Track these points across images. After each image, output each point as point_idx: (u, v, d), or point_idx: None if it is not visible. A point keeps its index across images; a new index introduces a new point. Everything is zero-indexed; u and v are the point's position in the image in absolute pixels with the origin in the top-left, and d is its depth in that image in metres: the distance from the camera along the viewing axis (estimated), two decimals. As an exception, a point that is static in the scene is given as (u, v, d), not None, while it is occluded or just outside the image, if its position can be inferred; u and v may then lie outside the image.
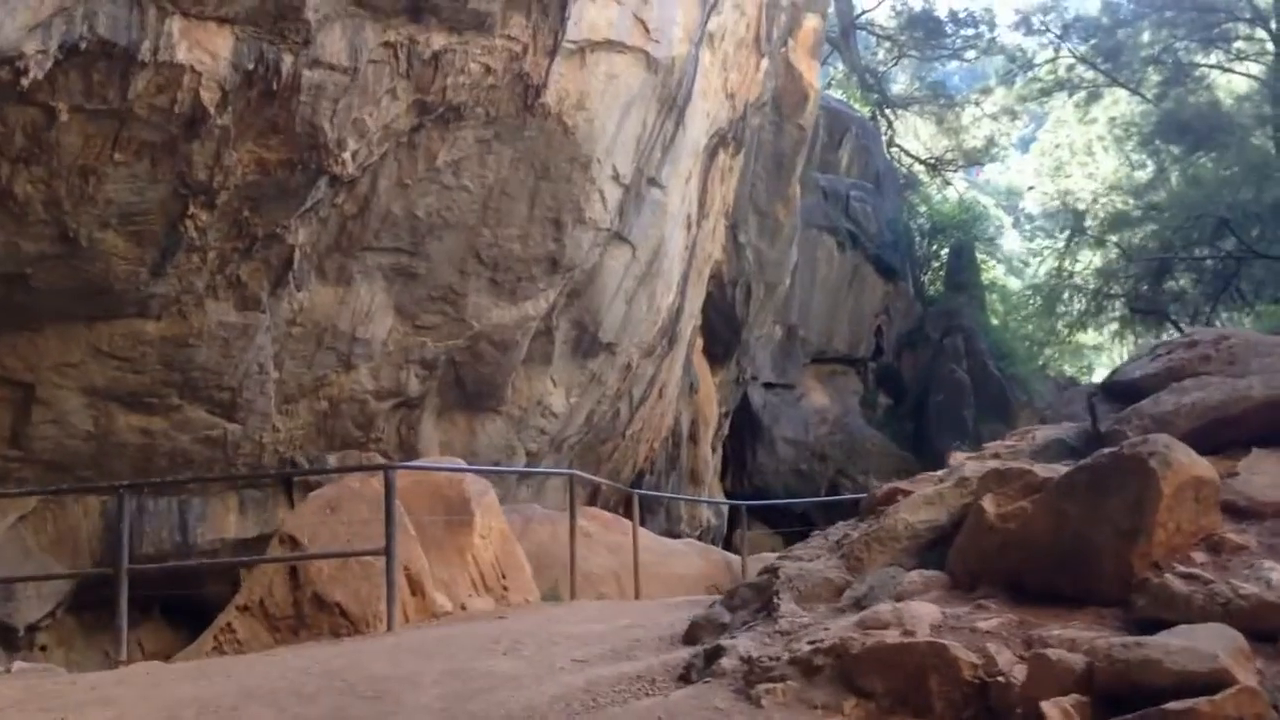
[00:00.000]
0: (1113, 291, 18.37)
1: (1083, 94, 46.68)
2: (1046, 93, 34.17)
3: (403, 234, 11.07)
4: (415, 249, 11.31)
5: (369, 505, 7.77)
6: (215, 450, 11.11)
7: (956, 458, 6.90)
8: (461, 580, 8.11)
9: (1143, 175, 22.73)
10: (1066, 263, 24.54)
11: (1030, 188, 47.69)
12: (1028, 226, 48.43)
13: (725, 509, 23.02)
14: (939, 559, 5.09)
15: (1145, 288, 16.70)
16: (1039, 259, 41.64)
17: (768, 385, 25.00)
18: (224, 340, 10.27)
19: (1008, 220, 46.89)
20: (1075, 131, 47.30)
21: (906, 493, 6.16)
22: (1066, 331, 33.12)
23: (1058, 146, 49.19)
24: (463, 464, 9.03)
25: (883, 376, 27.11)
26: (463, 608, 7.94)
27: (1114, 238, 19.48)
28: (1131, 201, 21.95)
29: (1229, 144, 19.22)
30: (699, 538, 20.73)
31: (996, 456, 6.29)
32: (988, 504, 4.85)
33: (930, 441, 25.07)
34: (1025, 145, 52.34)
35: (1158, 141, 23.36)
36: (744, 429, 24.69)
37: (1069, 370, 31.73)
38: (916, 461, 25.14)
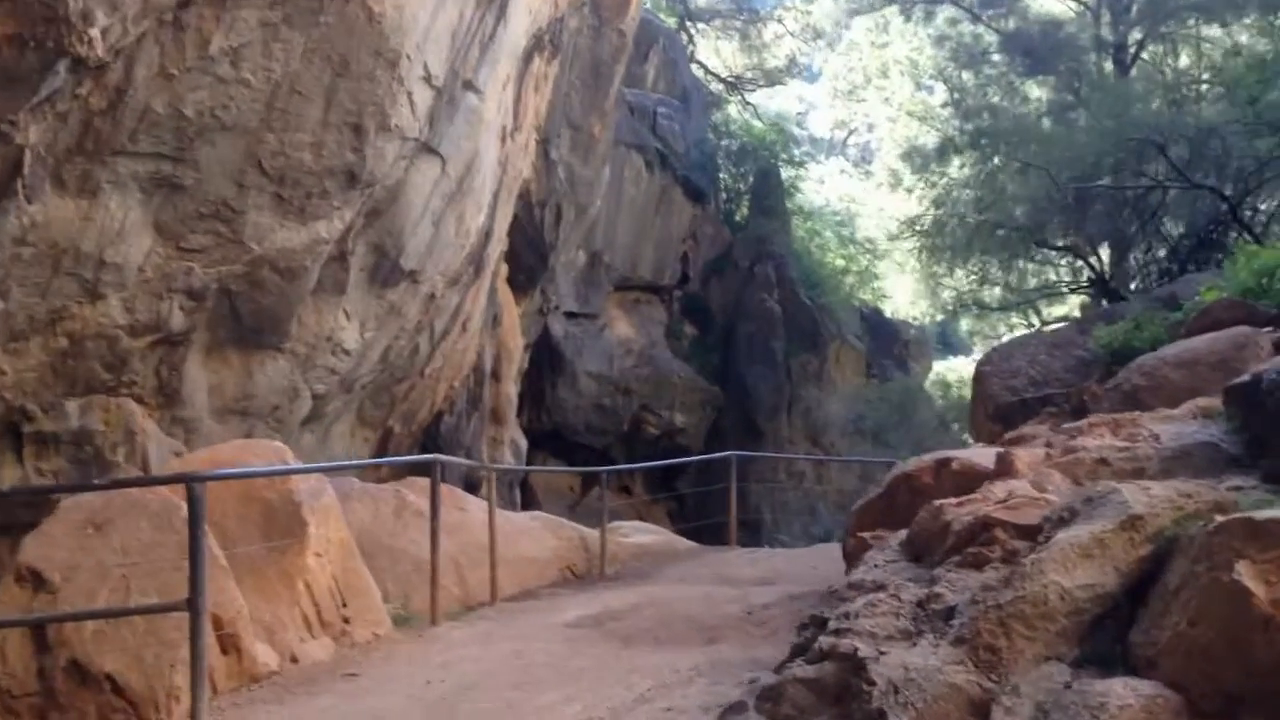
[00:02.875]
0: (999, 221, 18.34)
1: (884, 15, 47.64)
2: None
3: (166, 136, 9.34)
4: (181, 155, 9.61)
5: (153, 521, 5.98)
6: (-82, 401, 9.19)
7: (1018, 456, 5.79)
8: (290, 619, 6.52)
9: (978, 101, 22.99)
10: (938, 190, 24.47)
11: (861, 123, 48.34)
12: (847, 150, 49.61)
13: (524, 447, 22.19)
14: (1109, 646, 3.84)
15: (1056, 219, 16.76)
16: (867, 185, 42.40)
17: (569, 315, 24.16)
18: (-72, 263, 8.38)
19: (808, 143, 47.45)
20: (869, 56, 48.46)
21: (953, 469, 5.62)
22: (867, 261, 34.00)
23: (850, 70, 50.29)
24: (291, 460, 7.34)
25: (689, 306, 26.79)
26: (293, 659, 6.40)
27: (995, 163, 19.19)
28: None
29: (1073, 69, 19.55)
30: (507, 482, 19.82)
31: (1104, 462, 5.15)
32: (1250, 580, 3.32)
33: (739, 374, 25.06)
34: (811, 74, 52.67)
35: (996, 62, 23.52)
36: (543, 362, 23.81)
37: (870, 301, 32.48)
38: (724, 395, 25.16)
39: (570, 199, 18.70)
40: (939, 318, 40.79)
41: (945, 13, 26.03)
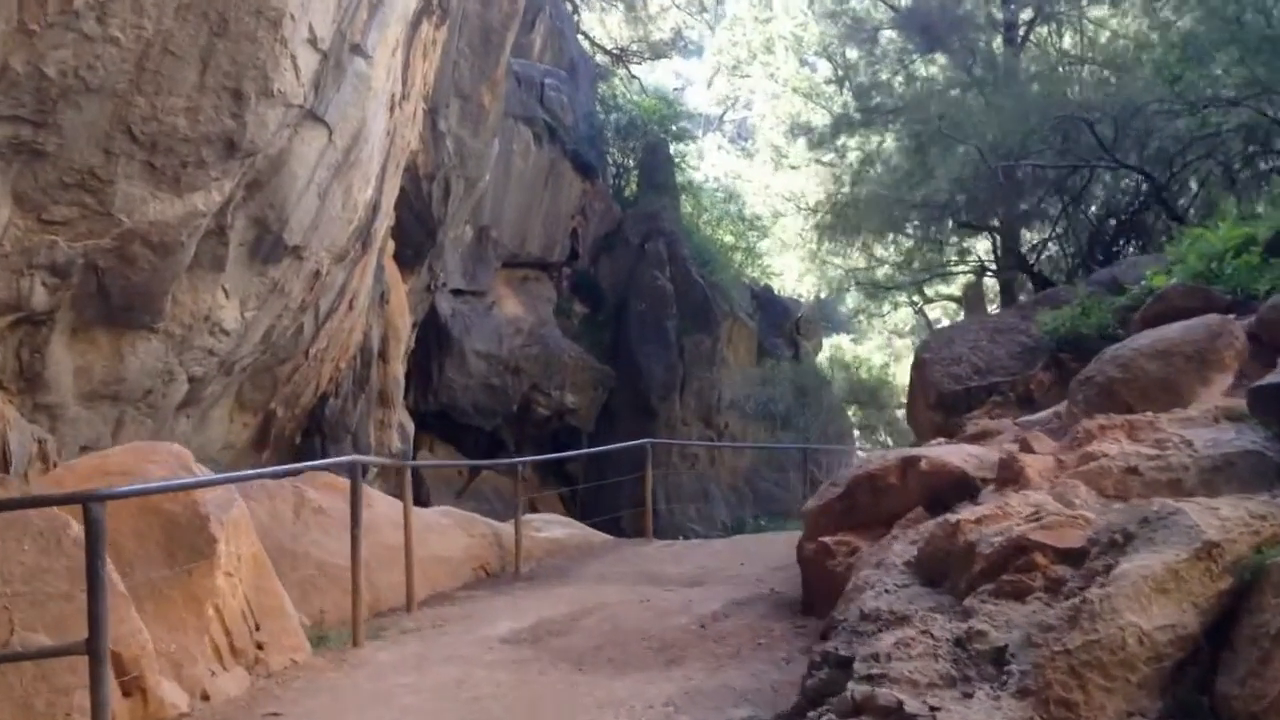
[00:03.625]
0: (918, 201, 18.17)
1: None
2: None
3: (25, 98, 8.62)
4: (42, 119, 8.89)
5: (37, 542, 5.17)
6: None
7: (1027, 462, 5.43)
8: (199, 650, 5.81)
9: (869, 78, 23.02)
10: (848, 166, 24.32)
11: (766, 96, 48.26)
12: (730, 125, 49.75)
13: (411, 430, 21.61)
14: (1194, 697, 3.48)
15: (980, 198, 16.67)
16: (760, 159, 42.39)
17: (457, 292, 23.60)
18: None
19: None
20: (752, 31, 48.73)
21: (921, 469, 5.41)
22: (756, 238, 34.16)
23: (734, 45, 50.50)
24: (194, 465, 6.53)
25: (579, 283, 26.46)
26: (204, 697, 5.73)
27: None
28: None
29: (968, 46, 19.68)
30: (394, 470, 19.22)
31: (1134, 471, 4.83)
32: None
33: (631, 353, 24.88)
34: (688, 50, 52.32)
35: (889, 38, 23.48)
36: (430, 341, 23.23)
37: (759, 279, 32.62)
38: (615, 375, 24.95)
39: (459, 172, 18.16)
40: (823, 295, 41.43)
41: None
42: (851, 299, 42.43)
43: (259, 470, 7.02)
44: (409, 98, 14.92)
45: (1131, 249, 15.55)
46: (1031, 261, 17.12)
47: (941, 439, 7.76)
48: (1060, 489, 4.80)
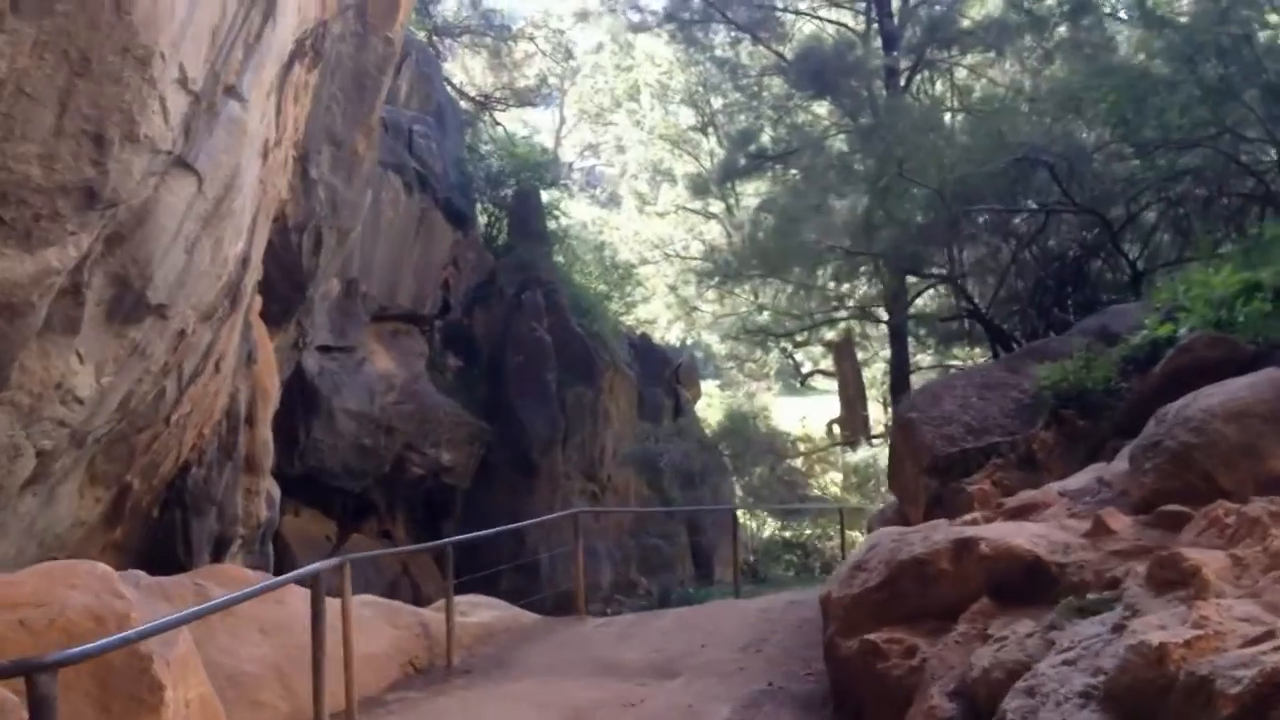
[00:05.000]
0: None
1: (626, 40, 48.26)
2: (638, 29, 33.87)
3: None
4: None
5: None
6: None
7: (1202, 562, 4.44)
8: None
9: (746, 121, 23.05)
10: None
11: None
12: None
13: (277, 497, 20.41)
14: None
15: (926, 244, 16.36)
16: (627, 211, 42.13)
17: (324, 349, 22.56)
18: None
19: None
20: (615, 79, 49.07)
21: (981, 553, 4.85)
22: (630, 286, 33.93)
23: (597, 91, 50.76)
24: (117, 584, 5.33)
25: (451, 336, 25.69)
26: None
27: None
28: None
29: (855, 92, 19.82)
30: (259, 537, 18.03)
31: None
32: None
33: (509, 407, 24.22)
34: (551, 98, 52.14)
35: (773, 84, 23.45)
36: (296, 401, 22.07)
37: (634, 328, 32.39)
38: (493, 430, 24.26)
39: (331, 223, 17.31)
40: (694, 342, 41.50)
41: (719, 35, 26.30)
42: (722, 347, 42.77)
43: (219, 600, 5.69)
44: (280, 144, 14.12)
45: (1080, 295, 15.43)
46: (984, 309, 16.66)
47: (942, 519, 7.11)
48: (1271, 596, 4.05)
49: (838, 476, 26.28)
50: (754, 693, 7.62)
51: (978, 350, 19.08)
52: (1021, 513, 6.55)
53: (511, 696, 8.15)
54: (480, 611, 11.32)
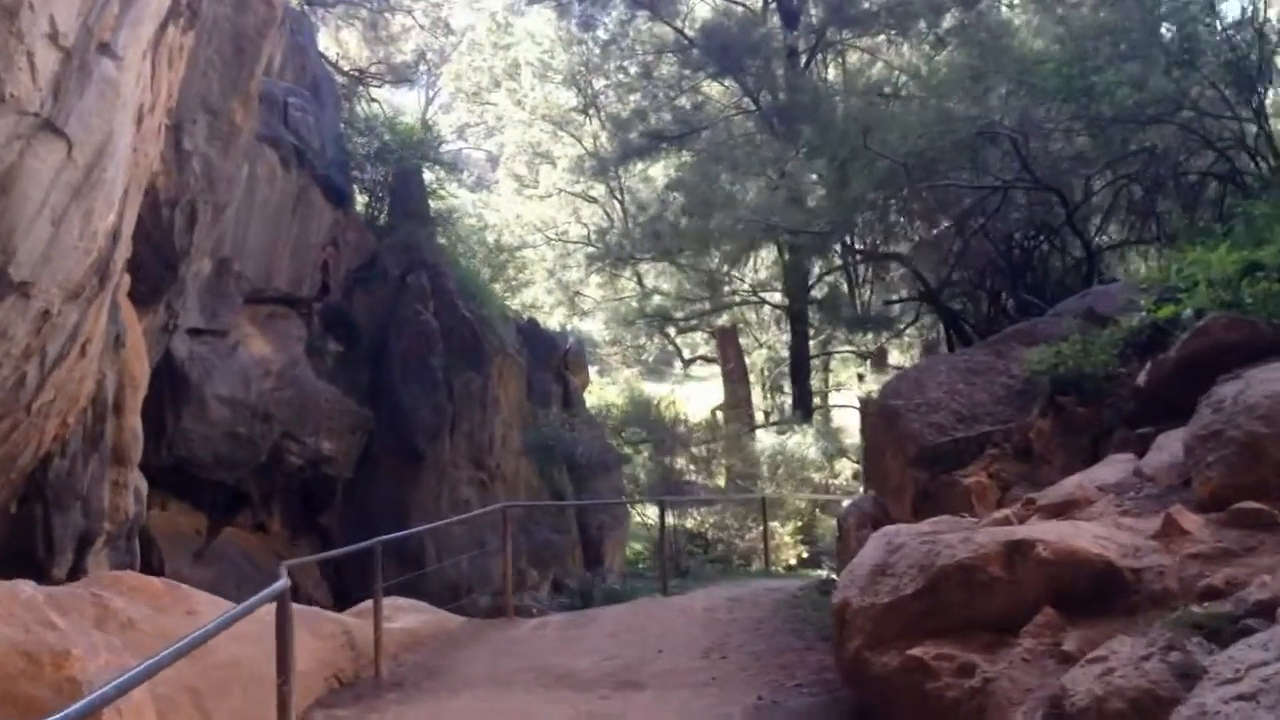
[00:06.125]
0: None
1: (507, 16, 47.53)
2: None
3: None
4: None
5: None
6: None
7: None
8: None
9: (637, 104, 22.60)
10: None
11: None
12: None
13: (145, 490, 19.28)
14: None
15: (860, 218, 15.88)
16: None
17: (194, 332, 21.39)
18: None
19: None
20: (494, 57, 48.21)
21: (1040, 557, 4.42)
22: (515, 270, 33.35)
23: (475, 69, 49.79)
24: (49, 612, 4.52)
25: (331, 319, 24.70)
26: None
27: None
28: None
29: (758, 70, 19.52)
30: (125, 533, 16.96)
31: None
32: None
33: (394, 394, 23.48)
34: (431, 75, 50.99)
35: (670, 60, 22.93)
36: (164, 388, 20.87)
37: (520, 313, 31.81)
38: (376, 418, 23.50)
39: (207, 197, 16.33)
40: (568, 328, 41.12)
41: (614, 13, 25.87)
42: (606, 333, 42.51)
43: (196, 634, 4.66)
44: (154, 110, 13.20)
45: (1033, 277, 15.25)
46: (941, 293, 16.33)
47: (945, 516, 6.61)
48: None
49: (736, 464, 26.23)
50: (749, 710, 7.05)
51: (912, 332, 18.77)
52: (1063, 510, 6.08)
53: (459, 713, 7.50)
54: (404, 616, 10.60)
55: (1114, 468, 6.75)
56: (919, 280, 16.95)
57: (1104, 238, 15.63)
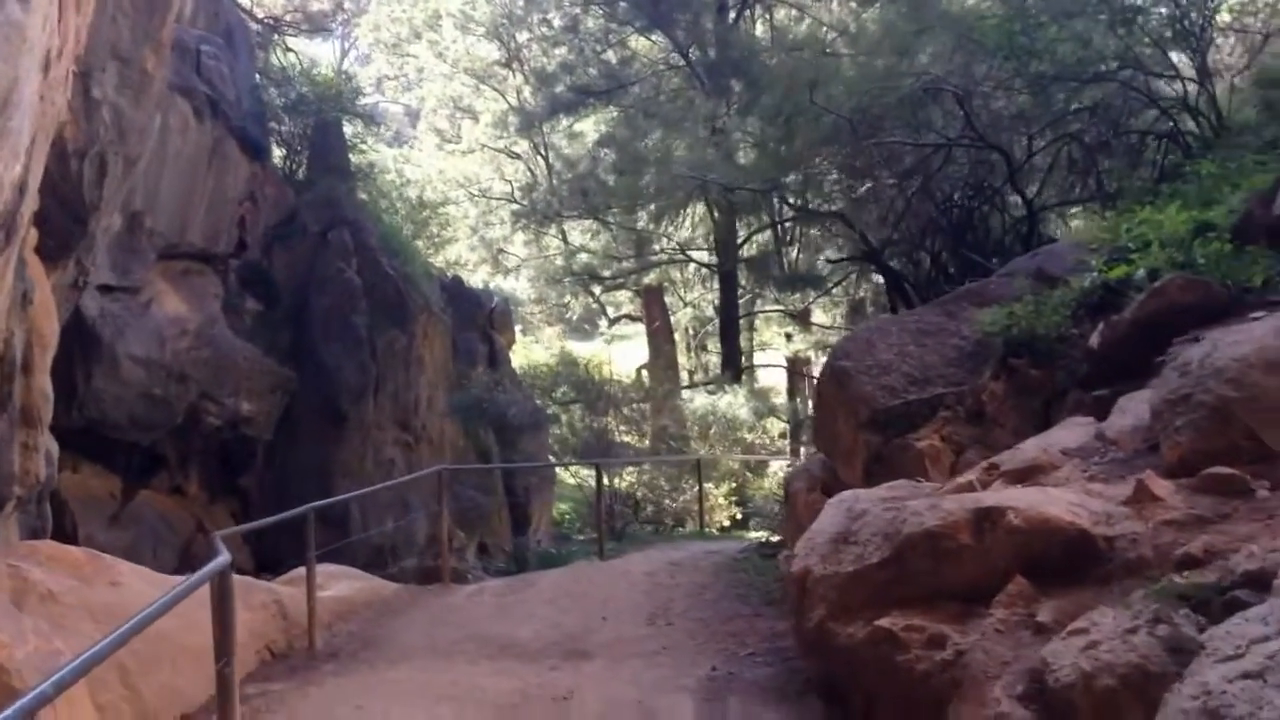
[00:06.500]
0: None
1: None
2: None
3: None
4: None
5: None
6: None
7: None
8: None
9: (564, 57, 22.17)
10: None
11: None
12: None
13: (55, 453, 18.66)
14: None
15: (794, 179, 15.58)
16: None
17: (105, 289, 20.67)
18: None
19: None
20: (415, 9, 47.17)
21: (1010, 525, 4.20)
22: (437, 226, 32.85)
23: (395, 20, 48.70)
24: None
25: (249, 276, 24.06)
26: None
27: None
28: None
29: (690, 24, 19.22)
30: (36, 497, 16.38)
31: None
32: None
33: (315, 353, 23.00)
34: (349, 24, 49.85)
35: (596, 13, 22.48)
36: (75, 346, 20.16)
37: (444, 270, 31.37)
38: (297, 378, 23.04)
39: (118, 149, 15.66)
40: (491, 286, 40.73)
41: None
42: (531, 291, 42.14)
43: (139, 618, 4.39)
44: (61, 57, 12.57)
45: (974, 236, 15.19)
46: (882, 252, 16.14)
47: (902, 480, 6.56)
48: None
49: (667, 425, 26.20)
50: (703, 681, 6.91)
51: (838, 291, 18.56)
52: (1027, 475, 5.96)
53: (394, 687, 7.25)
54: (337, 583, 10.32)
55: (1074, 431, 6.69)
56: (863, 240, 16.83)
57: (1045, 197, 15.71)
